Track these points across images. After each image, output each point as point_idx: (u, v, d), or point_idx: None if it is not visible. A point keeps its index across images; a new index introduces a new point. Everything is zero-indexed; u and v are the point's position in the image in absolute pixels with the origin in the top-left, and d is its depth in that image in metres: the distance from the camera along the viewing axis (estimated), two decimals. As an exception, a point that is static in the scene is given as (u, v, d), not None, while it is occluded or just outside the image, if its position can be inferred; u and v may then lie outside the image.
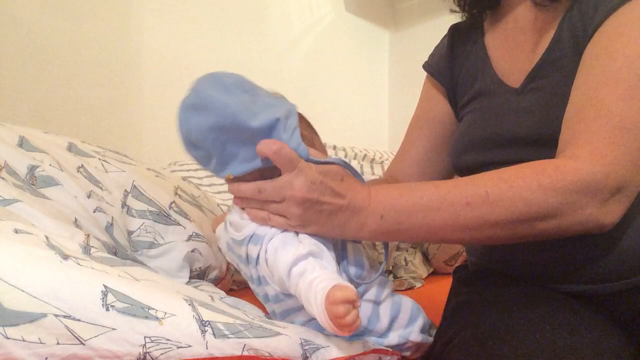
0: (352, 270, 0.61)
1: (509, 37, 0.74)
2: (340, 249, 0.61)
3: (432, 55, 0.88)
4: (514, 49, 0.73)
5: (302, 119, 0.64)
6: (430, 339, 0.65)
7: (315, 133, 0.69)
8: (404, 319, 0.62)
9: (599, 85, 0.55)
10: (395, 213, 0.56)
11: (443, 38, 0.86)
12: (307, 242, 0.55)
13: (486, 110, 0.73)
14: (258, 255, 0.58)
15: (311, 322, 0.59)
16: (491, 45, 0.77)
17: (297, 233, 0.57)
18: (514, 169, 0.55)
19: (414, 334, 0.62)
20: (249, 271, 0.62)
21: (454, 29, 0.84)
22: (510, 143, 0.67)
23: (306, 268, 0.52)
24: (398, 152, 0.90)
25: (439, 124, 0.84)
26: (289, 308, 0.60)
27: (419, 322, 0.63)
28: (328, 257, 0.56)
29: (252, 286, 0.64)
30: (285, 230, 0.57)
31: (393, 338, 0.61)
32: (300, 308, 0.57)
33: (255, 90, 0.59)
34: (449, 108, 0.83)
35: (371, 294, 0.62)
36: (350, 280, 0.60)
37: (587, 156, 0.53)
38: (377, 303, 0.61)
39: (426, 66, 0.87)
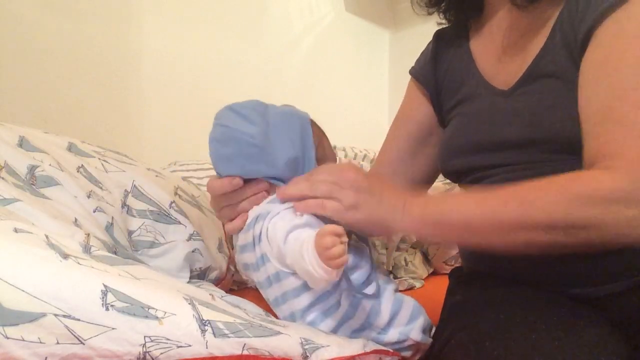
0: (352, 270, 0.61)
1: (494, 40, 0.74)
2: None
3: (417, 61, 0.88)
4: (500, 52, 0.72)
5: (312, 124, 0.70)
6: (430, 340, 0.65)
7: (324, 135, 0.72)
8: (404, 316, 0.62)
9: (612, 97, 0.55)
10: (435, 204, 0.59)
11: (428, 44, 0.86)
12: (306, 216, 0.58)
13: (473, 113, 0.73)
14: (260, 231, 0.60)
15: (312, 308, 0.59)
16: (476, 50, 0.77)
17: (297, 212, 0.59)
18: (548, 179, 0.55)
19: (415, 332, 0.62)
20: (253, 257, 0.63)
21: (439, 35, 0.84)
22: (499, 146, 0.66)
23: (302, 234, 0.54)
24: (378, 153, 0.90)
25: (416, 124, 0.84)
26: (289, 290, 0.60)
27: (420, 321, 0.63)
28: None
29: (255, 274, 0.65)
30: (287, 208, 0.60)
31: (393, 335, 0.61)
32: (300, 288, 0.58)
33: (267, 111, 0.66)
34: (431, 111, 0.83)
35: (372, 288, 0.62)
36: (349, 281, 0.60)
37: (622, 167, 0.52)
38: (378, 298, 0.62)
39: (412, 71, 0.87)
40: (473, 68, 0.75)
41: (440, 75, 0.81)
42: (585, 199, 0.51)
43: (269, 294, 0.63)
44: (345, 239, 0.49)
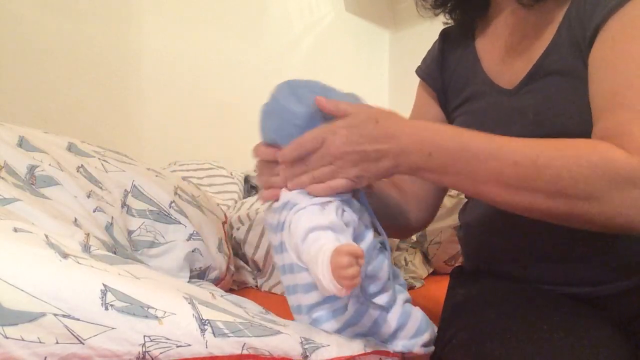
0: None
1: (500, 40, 0.74)
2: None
3: (424, 60, 0.88)
4: (505, 52, 0.72)
5: None
6: (432, 348, 0.64)
7: None
8: (411, 329, 0.61)
9: (618, 84, 0.55)
10: (443, 154, 0.56)
11: (435, 43, 0.86)
12: (331, 217, 0.56)
13: (478, 112, 0.73)
14: (285, 220, 0.60)
15: (319, 307, 0.59)
16: (482, 49, 0.77)
17: (323, 207, 0.58)
18: (571, 140, 0.54)
19: (418, 347, 0.61)
20: (276, 240, 0.63)
21: (444, 34, 0.84)
22: None
23: (322, 236, 0.53)
24: None
25: None
26: (300, 284, 0.60)
27: (425, 336, 0.62)
28: (346, 237, 0.56)
29: (275, 257, 0.65)
30: (314, 204, 0.58)
31: (396, 346, 0.60)
32: (311, 285, 0.58)
33: (328, 94, 0.63)
34: (441, 112, 0.83)
35: (382, 299, 0.60)
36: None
37: (632, 147, 0.50)
38: (385, 309, 0.60)
39: (418, 71, 0.87)
40: (478, 67, 0.75)
41: (447, 74, 0.81)
42: (596, 168, 0.50)
43: (283, 280, 0.64)
44: (362, 261, 0.48)
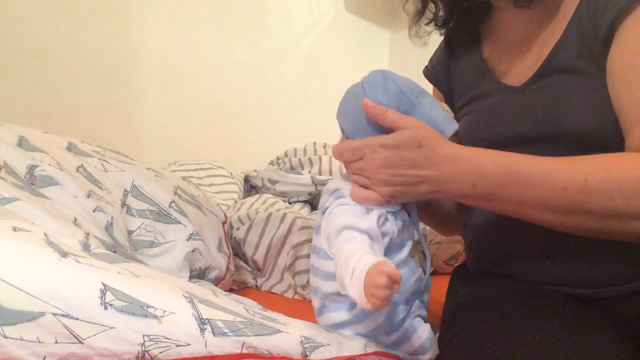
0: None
1: (505, 40, 0.74)
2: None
3: (430, 60, 0.88)
4: (511, 51, 0.72)
5: (456, 139, 0.66)
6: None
7: None
8: (412, 346, 0.60)
9: None
10: (488, 183, 0.55)
11: (441, 43, 0.86)
12: (371, 223, 0.56)
13: (485, 110, 0.73)
14: (326, 206, 0.61)
15: (331, 296, 0.59)
16: (487, 50, 0.77)
17: (367, 210, 0.58)
18: (614, 157, 0.53)
19: None
20: (318, 219, 0.64)
21: (450, 35, 0.84)
22: (512, 143, 0.66)
23: (356, 238, 0.53)
24: None
25: None
26: (321, 270, 0.60)
27: (427, 356, 0.61)
28: (380, 247, 0.56)
29: (314, 235, 0.66)
30: (359, 204, 0.59)
31: (397, 352, 0.60)
32: (331, 276, 0.58)
33: (418, 99, 0.61)
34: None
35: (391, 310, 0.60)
36: None
37: None
38: (392, 320, 0.60)
39: (425, 72, 0.87)
40: (484, 67, 0.75)
41: (453, 74, 0.81)
42: None
43: (310, 258, 0.65)
44: (397, 287, 0.47)
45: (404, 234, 0.61)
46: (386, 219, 0.59)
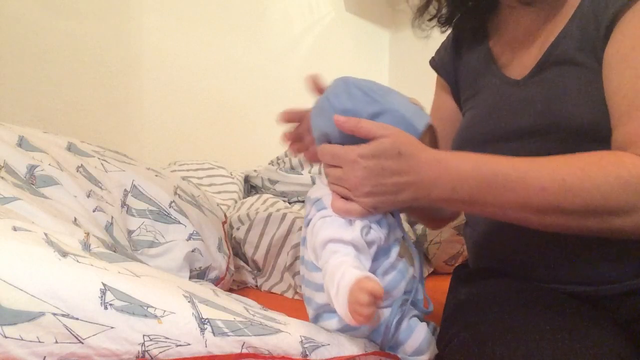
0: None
1: (511, 34, 0.75)
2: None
3: (437, 52, 0.88)
4: (517, 45, 0.73)
5: (431, 130, 0.65)
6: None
7: (437, 146, 0.68)
8: (410, 347, 0.60)
9: (638, 84, 0.54)
10: (468, 187, 0.55)
11: (448, 35, 0.86)
12: (355, 234, 0.56)
13: (488, 103, 0.73)
14: (310, 218, 0.60)
15: (324, 307, 0.59)
16: (494, 44, 0.77)
17: (349, 222, 0.58)
18: (591, 157, 0.53)
19: None
20: (304, 230, 0.64)
21: (458, 27, 0.84)
22: (513, 136, 0.66)
23: (341, 250, 0.53)
24: None
25: (448, 122, 0.84)
26: (311, 281, 0.60)
27: (424, 357, 0.61)
28: (366, 257, 0.56)
29: (301, 247, 0.65)
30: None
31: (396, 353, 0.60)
32: (320, 287, 0.57)
33: (386, 97, 0.61)
34: (454, 105, 0.83)
35: (388, 311, 0.59)
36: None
37: None
38: (388, 322, 0.59)
39: (432, 62, 0.87)
40: (490, 60, 0.76)
41: (460, 65, 0.81)
42: (626, 184, 0.50)
43: (301, 270, 0.64)
44: (380, 303, 0.48)
45: (390, 238, 0.61)
46: (370, 228, 0.58)
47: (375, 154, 0.56)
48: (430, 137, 0.65)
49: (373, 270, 0.57)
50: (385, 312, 0.58)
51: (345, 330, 0.58)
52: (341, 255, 0.52)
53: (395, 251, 0.61)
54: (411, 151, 0.56)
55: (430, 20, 0.80)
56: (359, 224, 0.57)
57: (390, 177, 0.56)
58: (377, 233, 0.58)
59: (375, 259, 0.58)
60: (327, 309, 0.59)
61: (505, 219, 0.57)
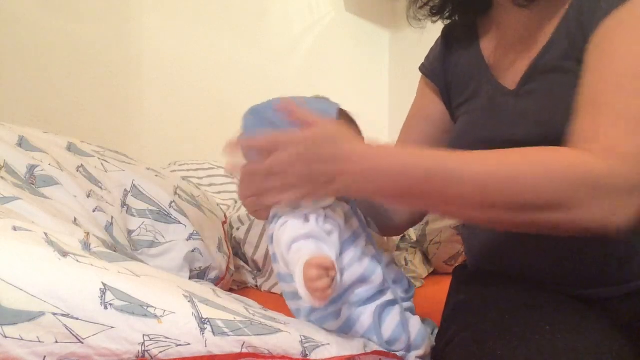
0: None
1: (503, 38, 0.74)
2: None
3: (427, 57, 0.87)
4: (508, 50, 0.72)
5: (345, 116, 0.65)
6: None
7: (359, 132, 0.68)
8: (405, 341, 0.59)
9: (601, 82, 0.54)
10: (397, 182, 0.54)
11: (437, 39, 0.86)
12: (311, 226, 0.56)
13: (484, 111, 0.73)
14: (272, 233, 0.60)
15: (314, 313, 0.59)
16: (485, 47, 0.76)
17: (304, 218, 0.58)
18: (521, 152, 0.53)
19: (412, 358, 0.60)
20: (271, 250, 0.63)
21: (448, 30, 0.84)
22: (507, 145, 0.66)
23: (303, 246, 0.53)
24: None
25: (432, 122, 0.83)
26: (294, 292, 0.59)
27: (420, 351, 0.61)
28: (331, 243, 0.56)
29: (273, 265, 0.65)
30: (295, 216, 0.58)
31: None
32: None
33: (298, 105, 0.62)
34: (443, 108, 0.82)
35: (377, 303, 0.60)
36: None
37: (601, 151, 0.50)
38: (381, 317, 0.59)
39: (422, 67, 0.87)
40: (482, 64, 0.75)
41: (450, 70, 0.80)
42: (556, 179, 0.49)
43: (281, 287, 0.64)
44: (333, 273, 0.48)
45: (352, 225, 0.62)
46: (325, 216, 0.58)
47: (309, 140, 0.55)
48: (349, 124, 0.65)
49: (347, 260, 0.59)
50: (374, 305, 0.59)
51: (340, 332, 0.58)
52: (305, 250, 0.53)
53: (360, 240, 0.62)
54: (348, 139, 0.56)
55: (421, 7, 0.78)
56: (313, 217, 0.57)
57: (323, 164, 0.54)
58: (332, 220, 0.59)
59: (345, 249, 0.59)
60: (316, 313, 0.59)
61: (439, 213, 0.58)
